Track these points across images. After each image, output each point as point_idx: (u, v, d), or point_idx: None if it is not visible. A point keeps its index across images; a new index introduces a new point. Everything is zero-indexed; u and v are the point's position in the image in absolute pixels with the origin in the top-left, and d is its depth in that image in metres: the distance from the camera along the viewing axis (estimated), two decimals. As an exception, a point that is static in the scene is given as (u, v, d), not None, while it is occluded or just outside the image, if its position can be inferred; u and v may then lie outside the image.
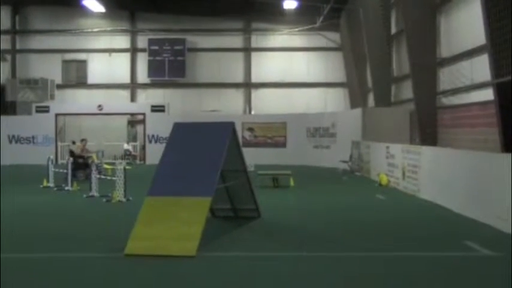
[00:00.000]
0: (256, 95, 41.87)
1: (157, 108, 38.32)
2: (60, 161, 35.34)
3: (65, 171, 22.14)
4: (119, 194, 18.06)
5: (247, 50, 41.89)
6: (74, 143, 27.81)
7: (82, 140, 27.08)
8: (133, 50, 42.10)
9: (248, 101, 41.87)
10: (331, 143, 34.69)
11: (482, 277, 9.36)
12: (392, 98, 32.42)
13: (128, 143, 39.51)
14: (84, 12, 40.57)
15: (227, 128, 13.05)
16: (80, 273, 9.61)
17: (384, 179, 22.70)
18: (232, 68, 41.87)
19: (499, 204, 13.06)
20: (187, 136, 12.94)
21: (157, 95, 41.76)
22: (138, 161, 38.19)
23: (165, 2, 40.66)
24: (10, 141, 37.45)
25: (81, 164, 24.29)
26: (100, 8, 38.39)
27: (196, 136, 12.88)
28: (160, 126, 35.62)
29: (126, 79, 42.05)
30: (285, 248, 11.36)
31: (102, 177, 21.24)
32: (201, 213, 11.17)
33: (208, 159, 12.17)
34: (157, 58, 41.35)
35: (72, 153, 25.91)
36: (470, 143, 21.60)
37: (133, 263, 10.11)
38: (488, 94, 19.03)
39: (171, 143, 12.92)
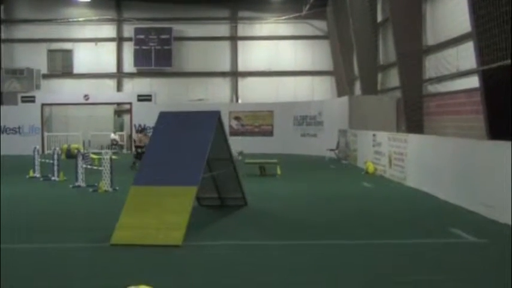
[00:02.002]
0: (243, 83, 41.81)
1: (144, 98, 38.24)
2: (46, 151, 35.18)
3: (51, 161, 21.98)
4: (105, 184, 18.01)
5: (233, 39, 41.78)
6: (137, 132, 28.22)
7: (141, 131, 27.75)
8: (120, 39, 41.88)
9: (235, 89, 41.79)
10: (318, 131, 34.74)
11: (468, 263, 9.41)
12: (378, 86, 32.46)
13: (114, 132, 39.43)
14: (69, 1, 40.40)
15: (213, 117, 13.00)
16: (65, 263, 9.59)
17: (371, 167, 22.76)
18: (218, 56, 41.77)
19: (485, 191, 13.13)
20: (173, 125, 12.87)
21: (143, 85, 41.60)
22: (125, 151, 38.12)
23: (150, -9, 40.53)
24: (-4, 132, 37.29)
25: (139, 154, 24.33)
26: (85, -3, 38.23)
27: (182, 125, 12.81)
28: (147, 115, 35.45)
29: (113, 68, 41.85)
30: (271, 237, 11.38)
31: (92, 167, 21.15)
32: (187, 202, 11.13)
33: (194, 148, 12.12)
34: (144, 47, 41.18)
35: (135, 143, 27.33)
36: (456, 130, 21.68)
37: (119, 252, 10.08)
38: (473, 81, 19.08)
39: (156, 132, 12.88)
